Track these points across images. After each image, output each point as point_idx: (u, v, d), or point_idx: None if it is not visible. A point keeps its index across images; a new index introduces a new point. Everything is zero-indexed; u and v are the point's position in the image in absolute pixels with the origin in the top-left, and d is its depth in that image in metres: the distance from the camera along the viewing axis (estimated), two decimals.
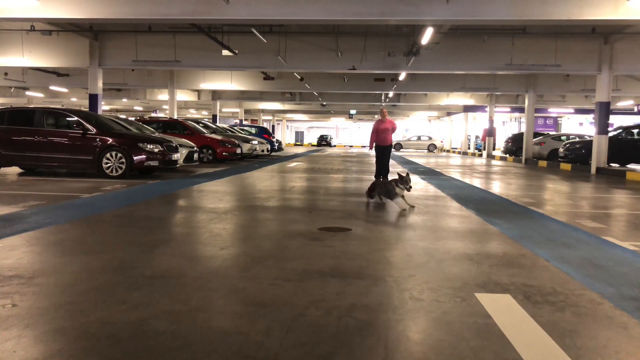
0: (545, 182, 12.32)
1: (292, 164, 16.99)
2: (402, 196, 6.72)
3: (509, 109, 33.49)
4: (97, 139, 10.06)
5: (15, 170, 11.30)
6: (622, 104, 29.18)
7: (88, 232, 4.95)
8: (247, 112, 41.60)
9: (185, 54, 15.89)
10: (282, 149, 29.95)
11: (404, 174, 6.80)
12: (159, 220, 5.76)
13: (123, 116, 23.15)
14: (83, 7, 10.00)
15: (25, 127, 10.34)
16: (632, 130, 16.92)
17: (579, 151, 17.37)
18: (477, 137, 39.84)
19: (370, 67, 15.97)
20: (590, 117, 35.40)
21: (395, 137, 47.08)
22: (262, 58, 15.96)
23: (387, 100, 29.63)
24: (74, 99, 31.86)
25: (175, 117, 21.09)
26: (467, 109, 33.94)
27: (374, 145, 10.59)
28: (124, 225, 5.34)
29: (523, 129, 28.01)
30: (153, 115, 36.46)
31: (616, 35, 14.55)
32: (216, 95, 29.28)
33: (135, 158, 10.03)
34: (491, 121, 28.72)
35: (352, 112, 41.28)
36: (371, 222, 5.87)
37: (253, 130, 25.19)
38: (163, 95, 27.73)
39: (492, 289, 3.27)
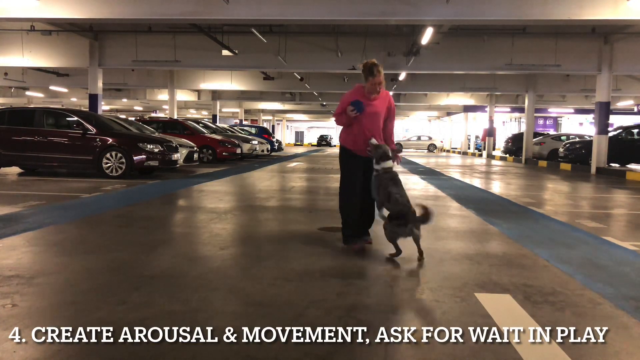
0: (545, 182, 12.32)
1: (292, 164, 16.98)
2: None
3: (509, 109, 33.48)
4: (97, 139, 10.05)
5: (15, 170, 11.29)
6: (622, 104, 29.16)
7: (88, 232, 4.95)
8: (247, 112, 41.57)
9: (185, 54, 15.88)
10: (282, 149, 29.92)
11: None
12: (159, 220, 5.76)
13: (123, 116, 23.15)
14: (83, 7, 10.00)
15: (26, 127, 10.32)
16: (632, 130, 16.92)
17: (579, 151, 17.35)
18: (477, 137, 39.81)
19: None
20: (590, 117, 35.38)
21: (396, 137, 47.29)
22: (262, 58, 15.95)
23: None
24: (74, 99, 31.85)
25: (175, 117, 21.08)
26: (467, 109, 33.92)
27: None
28: (124, 225, 5.34)
29: (523, 129, 27.99)
30: (153, 115, 36.45)
31: (616, 35, 14.54)
32: (216, 95, 29.26)
33: (135, 158, 10.03)
34: (491, 121, 28.71)
35: None
36: None
37: (253, 130, 25.16)
38: (163, 95, 27.71)
39: (492, 289, 3.26)
